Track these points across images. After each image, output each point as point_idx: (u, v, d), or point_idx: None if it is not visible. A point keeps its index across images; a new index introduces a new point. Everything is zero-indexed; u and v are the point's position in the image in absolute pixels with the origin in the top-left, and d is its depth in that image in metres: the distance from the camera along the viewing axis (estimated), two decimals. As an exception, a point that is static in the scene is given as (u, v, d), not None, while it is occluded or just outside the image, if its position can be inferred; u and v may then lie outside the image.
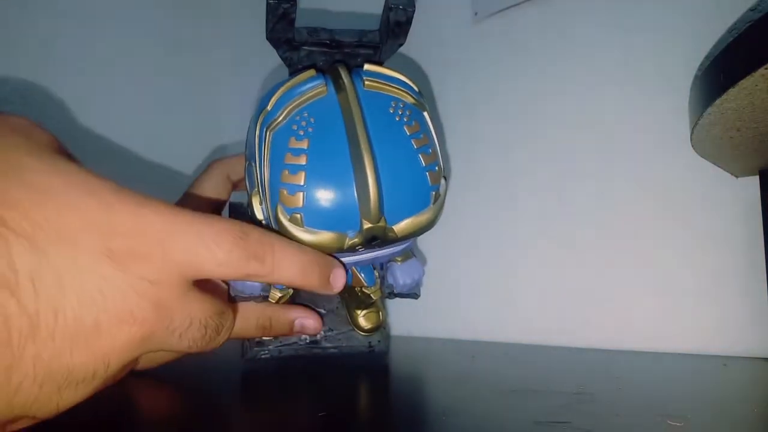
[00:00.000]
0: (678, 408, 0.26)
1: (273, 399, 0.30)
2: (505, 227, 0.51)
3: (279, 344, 0.36)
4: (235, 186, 0.37)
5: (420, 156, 0.25)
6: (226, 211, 0.38)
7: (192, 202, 0.35)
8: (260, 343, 0.36)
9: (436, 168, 0.26)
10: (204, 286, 0.23)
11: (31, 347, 0.17)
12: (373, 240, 0.25)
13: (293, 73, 0.28)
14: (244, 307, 0.32)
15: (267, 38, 0.26)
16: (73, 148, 0.23)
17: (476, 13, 0.54)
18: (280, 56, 0.28)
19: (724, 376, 0.34)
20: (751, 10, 0.38)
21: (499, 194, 0.52)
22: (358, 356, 0.38)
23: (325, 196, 0.24)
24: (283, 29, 0.26)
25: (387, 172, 0.24)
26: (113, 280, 0.19)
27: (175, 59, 0.67)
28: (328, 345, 0.37)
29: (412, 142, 0.25)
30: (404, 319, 0.53)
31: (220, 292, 0.30)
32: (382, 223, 0.24)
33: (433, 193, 0.26)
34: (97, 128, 0.55)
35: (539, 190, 0.49)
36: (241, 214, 0.35)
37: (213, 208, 0.36)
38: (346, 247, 0.25)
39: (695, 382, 0.34)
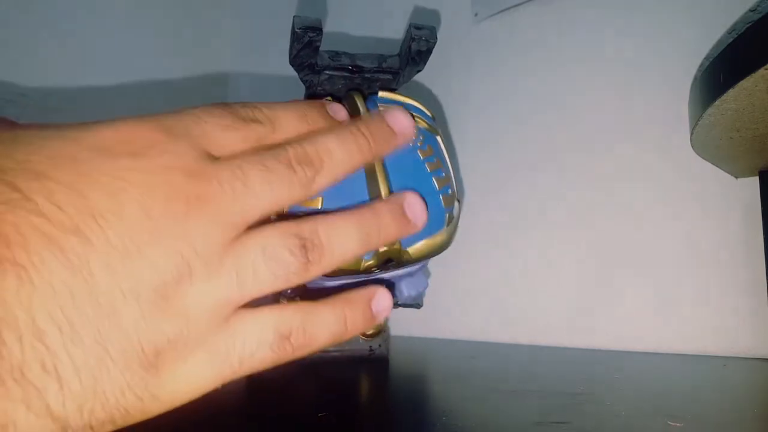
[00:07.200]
0: (678, 408, 0.26)
1: (275, 400, 0.30)
2: (505, 227, 0.51)
3: None
4: None
5: (433, 179, 0.26)
6: None
7: None
8: None
9: (450, 191, 0.26)
10: None
11: (92, 257, 0.16)
12: (388, 262, 0.25)
13: (311, 95, 0.28)
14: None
15: (290, 63, 0.27)
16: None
17: (476, 14, 0.54)
18: (301, 79, 0.28)
19: (724, 376, 0.34)
20: (751, 10, 0.38)
21: (497, 194, 0.52)
22: (359, 359, 0.38)
23: None
24: (307, 56, 0.26)
25: (398, 185, 0.25)
26: (137, 169, 0.18)
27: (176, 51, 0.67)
28: (330, 348, 0.38)
29: (426, 166, 0.26)
30: (404, 320, 0.53)
31: None
32: (396, 246, 0.25)
33: (447, 215, 0.26)
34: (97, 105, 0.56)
35: (538, 191, 0.49)
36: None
37: None
38: (362, 269, 0.25)
39: (695, 382, 0.34)
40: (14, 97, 0.50)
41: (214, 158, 0.20)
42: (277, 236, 0.19)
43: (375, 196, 0.24)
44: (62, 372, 0.15)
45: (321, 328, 0.21)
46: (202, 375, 0.18)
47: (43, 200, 0.16)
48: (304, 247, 0.20)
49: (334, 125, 0.24)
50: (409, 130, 0.24)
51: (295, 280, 0.19)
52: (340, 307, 0.22)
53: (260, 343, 0.19)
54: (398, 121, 0.24)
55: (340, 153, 0.22)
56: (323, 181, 0.21)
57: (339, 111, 0.25)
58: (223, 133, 0.20)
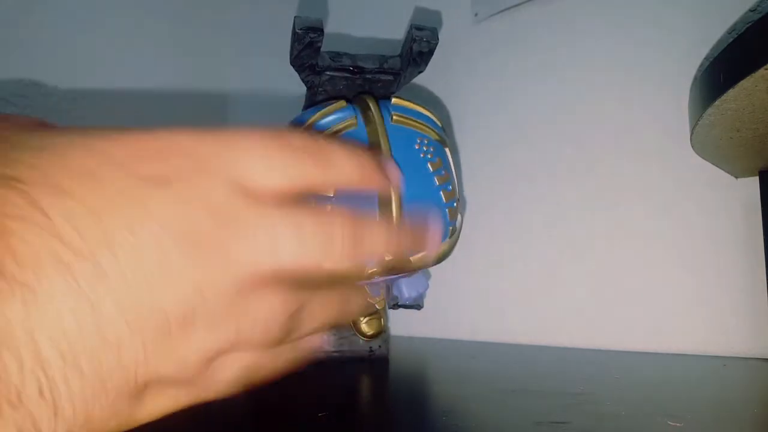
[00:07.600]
0: (678, 408, 0.26)
1: (275, 399, 0.30)
2: (504, 228, 0.51)
3: None
4: None
5: (441, 193, 0.26)
6: None
7: None
8: None
9: (455, 204, 0.27)
10: None
11: (101, 287, 0.16)
12: (391, 271, 0.26)
13: (312, 96, 0.28)
14: None
15: (291, 63, 0.26)
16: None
17: (476, 14, 0.54)
18: (302, 79, 0.28)
19: (724, 376, 0.34)
20: (751, 10, 0.38)
21: (497, 195, 0.52)
22: (359, 359, 0.38)
23: None
24: (308, 56, 0.26)
25: (410, 208, 0.25)
26: (160, 199, 0.17)
27: (179, 56, 0.67)
28: (331, 349, 0.38)
29: (435, 179, 0.26)
30: (405, 320, 0.53)
31: None
32: (401, 257, 0.25)
33: (450, 228, 0.27)
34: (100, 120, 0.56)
35: (538, 191, 0.49)
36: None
37: None
38: (365, 276, 0.25)
39: (695, 382, 0.34)
40: (14, 97, 0.50)
41: (247, 195, 0.19)
42: (281, 301, 0.19)
43: (385, 208, 0.24)
44: (58, 400, 0.15)
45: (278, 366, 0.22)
46: (179, 402, 0.19)
47: (61, 221, 0.16)
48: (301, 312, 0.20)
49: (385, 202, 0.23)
50: (436, 244, 0.25)
51: (282, 340, 0.20)
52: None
53: (235, 380, 0.20)
54: (433, 233, 0.24)
55: (382, 247, 0.21)
56: (353, 260, 0.21)
57: (394, 172, 0.24)
58: (266, 171, 0.19)
